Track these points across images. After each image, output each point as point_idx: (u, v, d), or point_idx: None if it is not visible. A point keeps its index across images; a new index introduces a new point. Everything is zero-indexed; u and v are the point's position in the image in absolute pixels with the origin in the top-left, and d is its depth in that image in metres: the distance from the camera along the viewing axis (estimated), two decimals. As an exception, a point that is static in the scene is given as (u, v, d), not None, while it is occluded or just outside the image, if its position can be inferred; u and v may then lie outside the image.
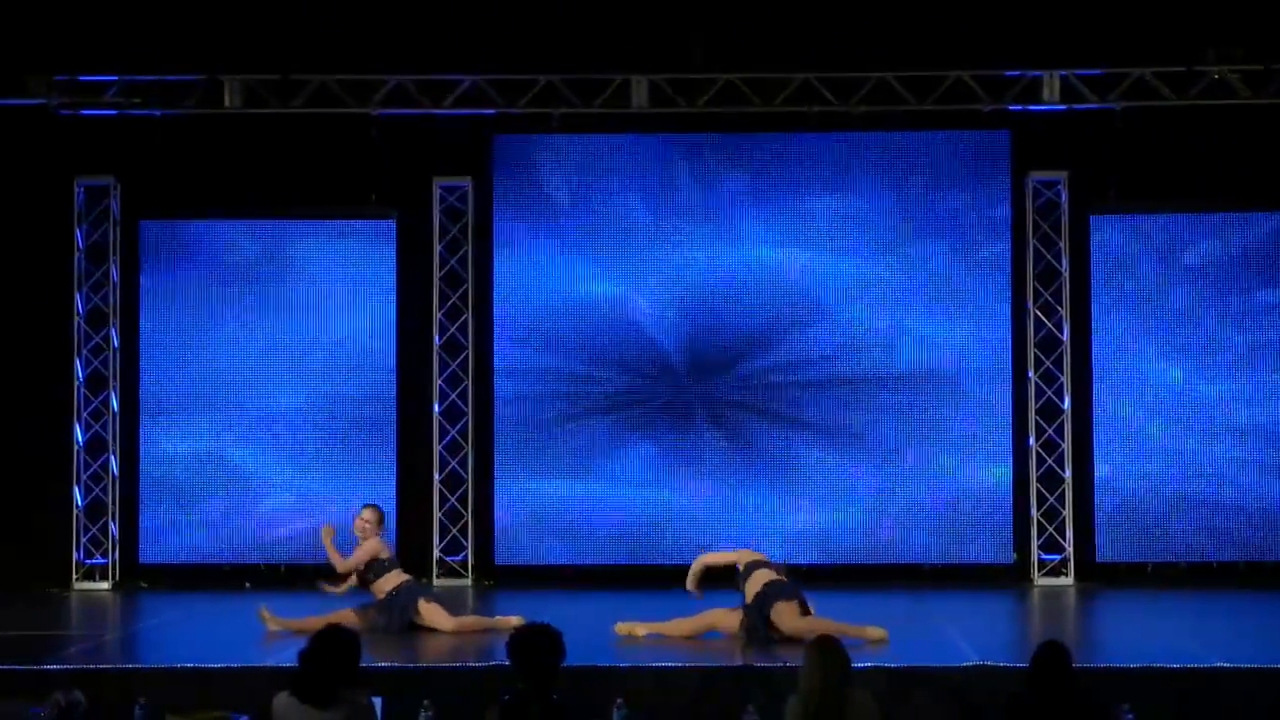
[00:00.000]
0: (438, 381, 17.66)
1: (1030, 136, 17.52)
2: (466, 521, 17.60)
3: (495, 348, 17.75)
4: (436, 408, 17.65)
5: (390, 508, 17.47)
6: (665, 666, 11.75)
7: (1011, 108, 17.16)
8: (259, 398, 17.73)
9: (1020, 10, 16.90)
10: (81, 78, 17.13)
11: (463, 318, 17.79)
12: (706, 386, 17.63)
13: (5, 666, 11.85)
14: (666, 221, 17.73)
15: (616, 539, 17.50)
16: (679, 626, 13.54)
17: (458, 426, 17.68)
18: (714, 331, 17.66)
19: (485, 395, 17.78)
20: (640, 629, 13.48)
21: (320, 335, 17.74)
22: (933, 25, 17.00)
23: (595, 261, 17.71)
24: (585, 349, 17.71)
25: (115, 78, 17.13)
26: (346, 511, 17.31)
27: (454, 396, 17.71)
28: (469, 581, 17.49)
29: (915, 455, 17.57)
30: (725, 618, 13.51)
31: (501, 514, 17.61)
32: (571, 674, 8.94)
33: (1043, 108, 17.07)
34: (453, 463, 17.69)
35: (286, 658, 7.83)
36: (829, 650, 8.34)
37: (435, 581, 17.37)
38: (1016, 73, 17.00)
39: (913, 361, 17.60)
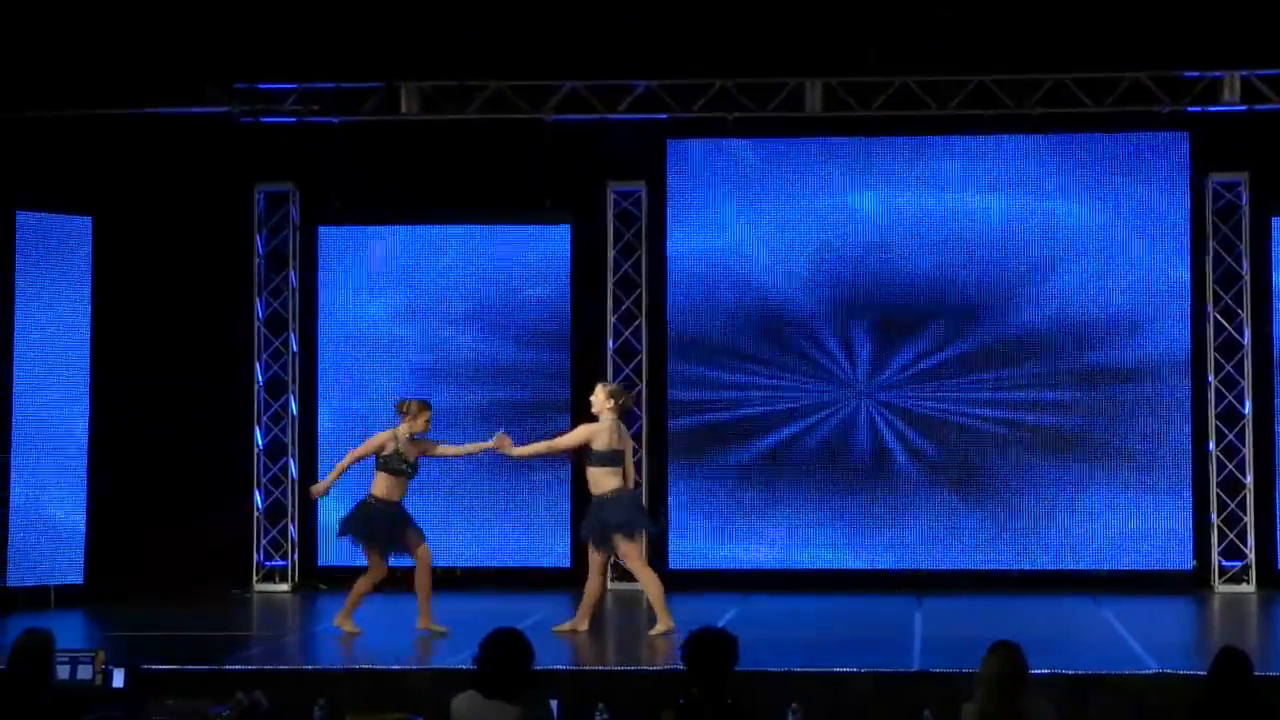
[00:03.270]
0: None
1: (1210, 138, 17.28)
2: (640, 525, 17.61)
3: (669, 352, 17.79)
4: (610, 412, 17.69)
5: (564, 511, 17.56)
6: (840, 671, 11.72)
7: (1191, 109, 16.94)
8: (433, 402, 17.84)
9: (1200, 10, 16.66)
10: (261, 86, 17.35)
11: (636, 322, 17.83)
12: (887, 390, 17.55)
13: (189, 667, 12.04)
14: (847, 226, 17.64)
15: (793, 543, 17.47)
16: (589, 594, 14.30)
17: (631, 430, 17.69)
18: (899, 334, 17.56)
19: (659, 400, 17.81)
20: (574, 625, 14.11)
21: (494, 339, 17.84)
22: (1110, 26, 16.81)
23: (772, 266, 17.67)
24: (761, 356, 17.67)
25: (294, 85, 17.34)
26: (517, 527, 17.52)
27: (628, 400, 17.76)
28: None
29: (1094, 457, 17.38)
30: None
31: (676, 517, 17.63)
32: (745, 678, 8.95)
33: (1223, 109, 16.83)
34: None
35: (463, 660, 7.90)
36: (1007, 656, 8.26)
37: (610, 585, 17.41)
38: (1196, 74, 16.78)
39: (1089, 362, 17.42)
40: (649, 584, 14.13)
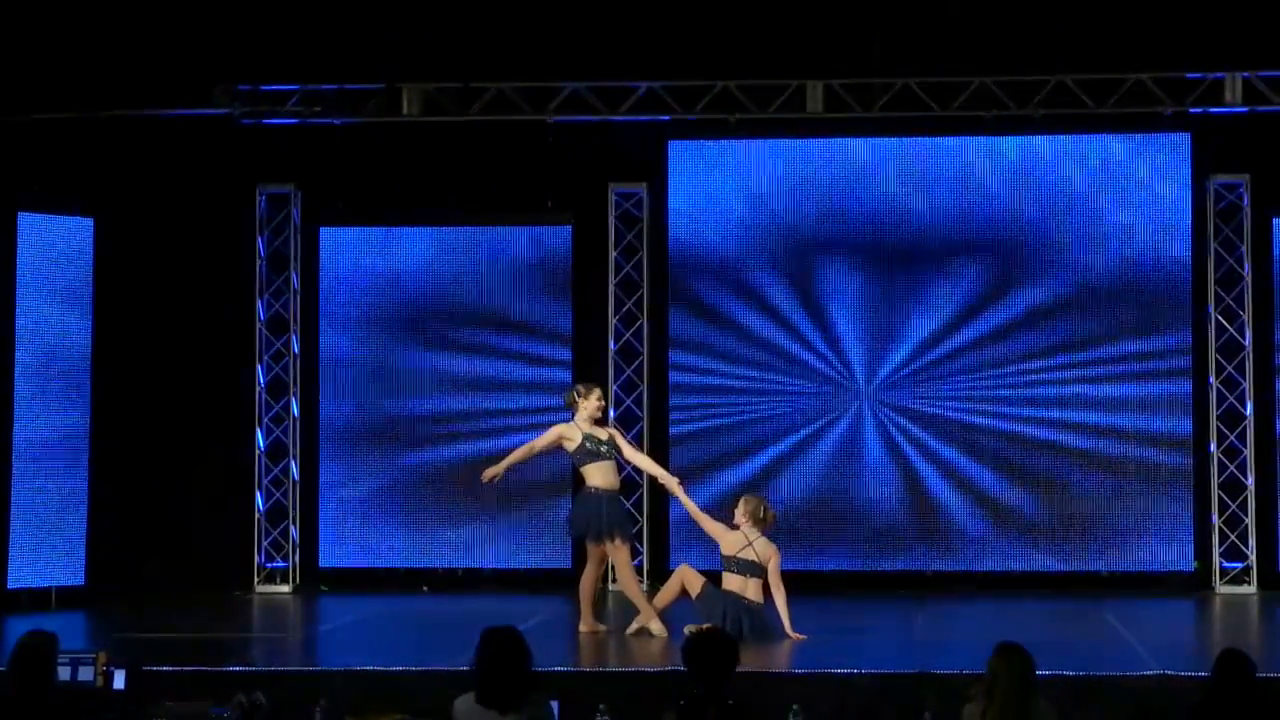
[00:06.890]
0: (613, 387, 17.70)
1: (1211, 139, 17.28)
2: (641, 527, 17.60)
3: (671, 353, 17.79)
4: (612, 413, 17.70)
5: (563, 514, 17.56)
6: (841, 672, 11.71)
7: (1192, 110, 16.93)
8: (434, 405, 17.88)
9: (1201, 12, 16.65)
10: (263, 87, 17.37)
11: (638, 324, 17.83)
12: (889, 390, 17.56)
13: (190, 668, 12.03)
14: (853, 227, 17.62)
15: (792, 544, 17.47)
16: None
17: (633, 432, 17.70)
18: (904, 332, 17.57)
19: (661, 402, 17.82)
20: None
21: (496, 341, 17.85)
22: (1112, 27, 16.80)
23: (775, 267, 17.68)
24: (766, 358, 17.68)
25: (296, 87, 17.35)
26: (524, 522, 17.50)
27: (629, 402, 17.76)
28: (644, 586, 17.50)
29: (1094, 457, 17.38)
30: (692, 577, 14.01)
31: (676, 518, 17.61)
32: (747, 679, 8.94)
33: (1225, 110, 16.83)
34: (628, 469, 17.68)
35: (464, 660, 7.87)
36: (1017, 659, 8.23)
37: (612, 586, 17.42)
38: (1198, 75, 16.78)
39: (1089, 361, 17.40)
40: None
